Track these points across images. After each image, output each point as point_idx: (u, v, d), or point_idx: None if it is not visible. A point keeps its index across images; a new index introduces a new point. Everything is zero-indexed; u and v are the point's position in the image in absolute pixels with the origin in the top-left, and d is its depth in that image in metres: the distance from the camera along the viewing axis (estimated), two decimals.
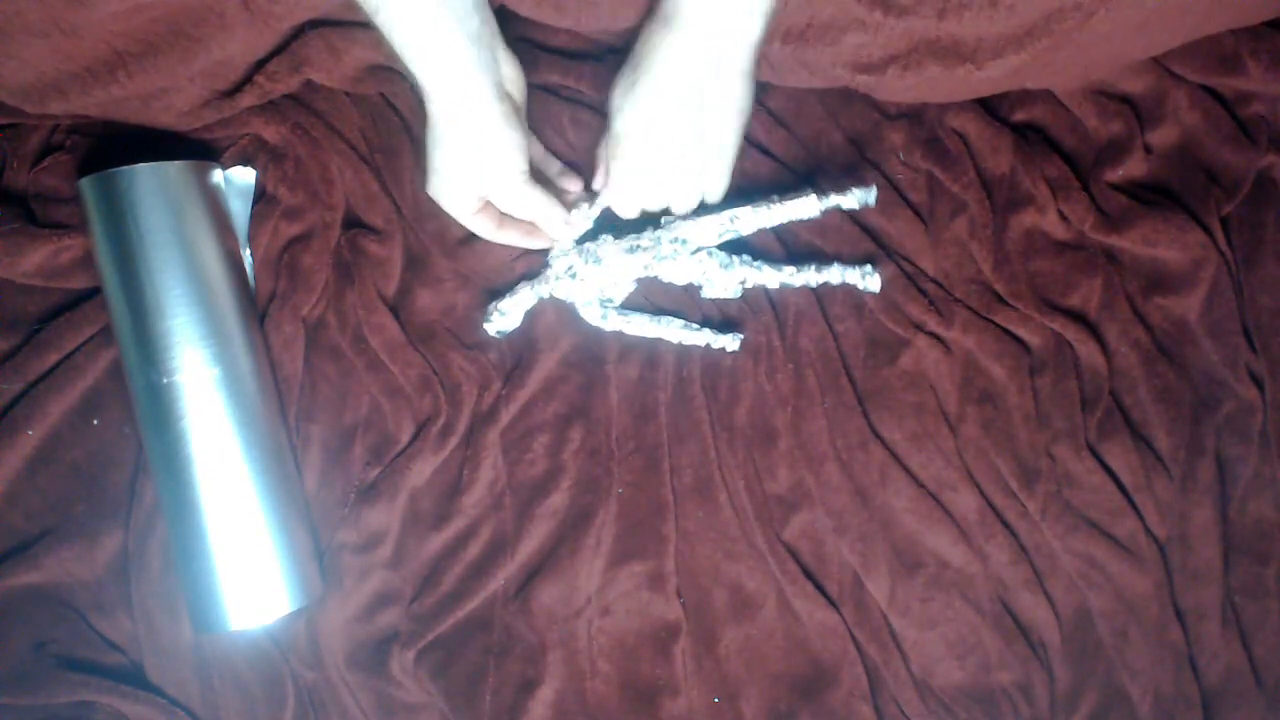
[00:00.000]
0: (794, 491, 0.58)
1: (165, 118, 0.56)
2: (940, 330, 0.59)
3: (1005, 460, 0.58)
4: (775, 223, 0.57)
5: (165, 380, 0.51)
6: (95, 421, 0.55)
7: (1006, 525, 0.57)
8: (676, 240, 0.57)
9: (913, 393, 0.59)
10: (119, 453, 0.56)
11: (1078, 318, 0.60)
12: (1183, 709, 0.56)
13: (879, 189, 0.57)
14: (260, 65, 0.56)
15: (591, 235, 0.59)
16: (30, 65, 0.51)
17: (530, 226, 0.58)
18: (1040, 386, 0.59)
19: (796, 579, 0.56)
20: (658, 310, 0.60)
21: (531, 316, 0.59)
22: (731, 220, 0.56)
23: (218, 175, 0.56)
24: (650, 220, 0.59)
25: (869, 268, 0.58)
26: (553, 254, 0.59)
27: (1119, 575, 0.56)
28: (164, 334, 0.51)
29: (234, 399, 0.52)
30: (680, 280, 0.59)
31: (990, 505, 0.57)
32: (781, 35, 0.54)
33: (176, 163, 0.53)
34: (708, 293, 0.58)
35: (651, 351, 0.59)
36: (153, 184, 0.52)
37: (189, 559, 0.51)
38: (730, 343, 0.58)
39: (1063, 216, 0.61)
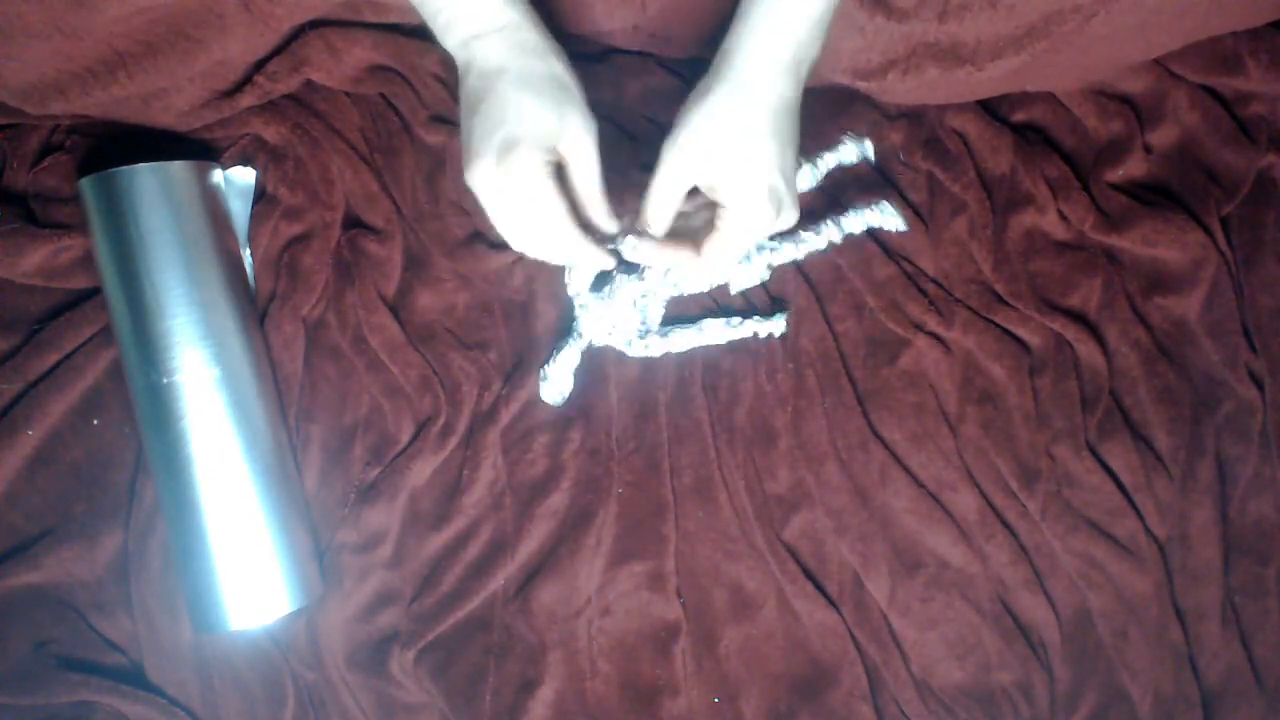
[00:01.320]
0: (794, 491, 0.58)
1: (165, 118, 0.56)
2: (940, 330, 0.59)
3: (1005, 460, 0.57)
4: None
5: (165, 380, 0.51)
6: (95, 421, 0.55)
7: (1006, 525, 0.57)
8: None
9: (913, 393, 0.59)
10: (119, 453, 0.56)
11: (1078, 318, 0.60)
12: (1183, 709, 0.56)
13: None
14: (260, 65, 0.56)
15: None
16: (32, 66, 0.51)
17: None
18: (1040, 386, 0.59)
19: (796, 579, 0.56)
20: (678, 318, 0.59)
21: (533, 316, 0.59)
22: None
23: (218, 175, 0.56)
24: None
25: (885, 205, 0.58)
26: (577, 308, 0.57)
27: (1119, 575, 0.56)
28: (164, 334, 0.51)
29: (234, 399, 0.52)
30: (706, 288, 0.59)
31: (990, 505, 0.57)
32: None
33: (177, 163, 0.53)
34: (735, 287, 0.59)
35: None
36: (153, 184, 0.52)
37: (189, 559, 0.51)
38: (777, 326, 0.58)
39: (1063, 216, 0.61)
